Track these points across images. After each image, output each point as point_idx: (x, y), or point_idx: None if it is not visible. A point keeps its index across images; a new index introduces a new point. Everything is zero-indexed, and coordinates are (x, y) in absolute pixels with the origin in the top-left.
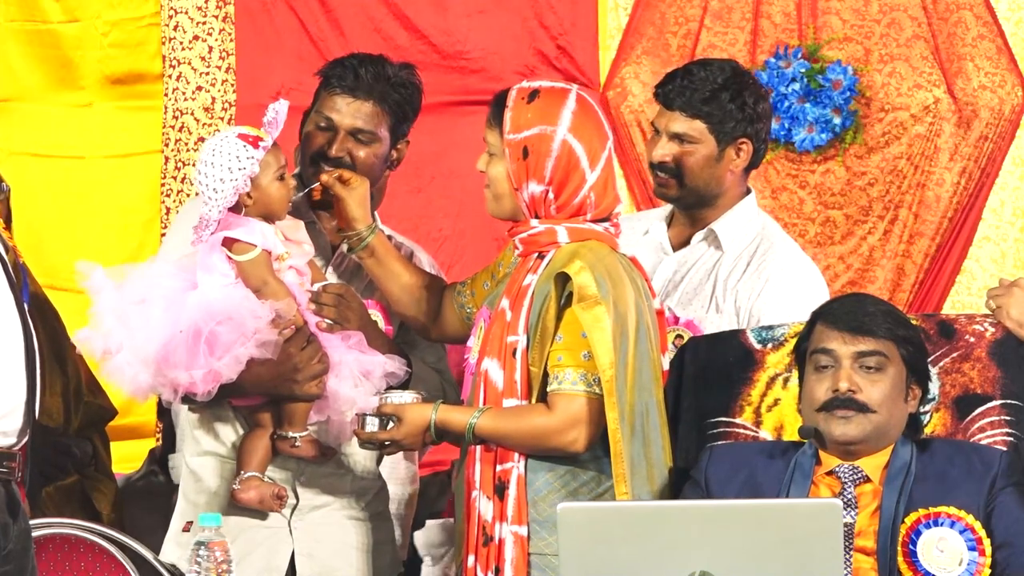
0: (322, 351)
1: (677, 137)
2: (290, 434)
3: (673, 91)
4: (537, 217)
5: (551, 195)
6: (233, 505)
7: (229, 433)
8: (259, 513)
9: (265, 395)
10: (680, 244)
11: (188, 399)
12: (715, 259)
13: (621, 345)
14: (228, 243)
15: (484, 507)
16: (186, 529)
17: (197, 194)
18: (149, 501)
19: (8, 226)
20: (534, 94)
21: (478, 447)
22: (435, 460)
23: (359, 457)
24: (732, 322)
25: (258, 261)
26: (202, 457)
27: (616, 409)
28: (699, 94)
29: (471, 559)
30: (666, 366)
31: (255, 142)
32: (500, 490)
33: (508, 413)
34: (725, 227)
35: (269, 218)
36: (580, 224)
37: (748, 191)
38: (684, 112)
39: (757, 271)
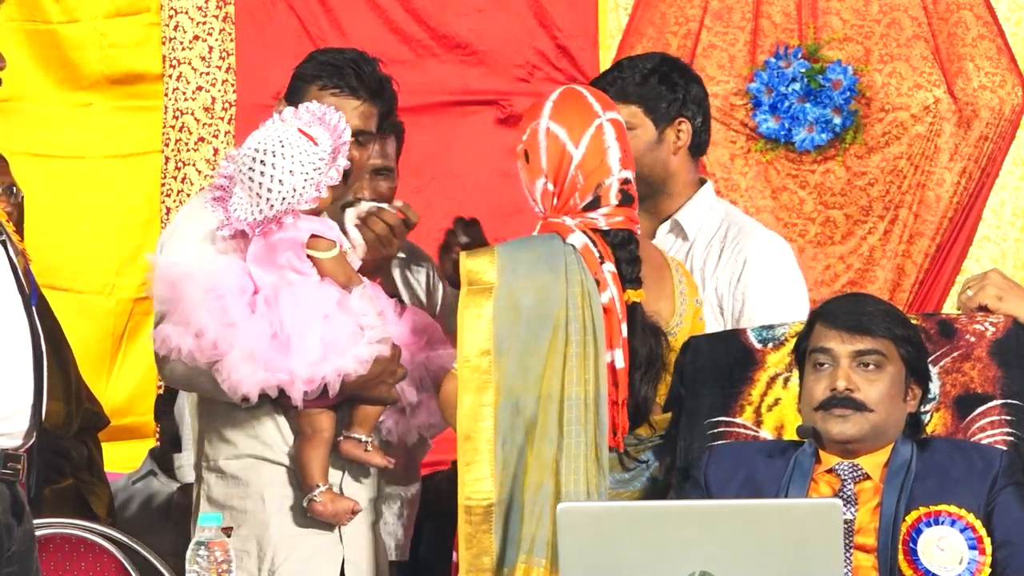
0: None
1: None
2: (363, 437)
3: (605, 83)
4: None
5: (550, 186)
6: (285, 509)
7: (274, 436)
8: (313, 520)
9: (353, 396)
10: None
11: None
12: (684, 249)
13: (506, 334)
14: (310, 240)
15: None
16: (228, 534)
17: (200, 191)
18: (148, 501)
19: (20, 230)
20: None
21: None
22: (435, 460)
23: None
24: (714, 310)
25: (341, 258)
26: (242, 460)
27: (480, 394)
28: (629, 80)
29: None
30: (619, 363)
31: (314, 140)
32: None
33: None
34: (688, 216)
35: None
36: (555, 219)
37: (704, 181)
38: (618, 100)
39: (733, 255)
